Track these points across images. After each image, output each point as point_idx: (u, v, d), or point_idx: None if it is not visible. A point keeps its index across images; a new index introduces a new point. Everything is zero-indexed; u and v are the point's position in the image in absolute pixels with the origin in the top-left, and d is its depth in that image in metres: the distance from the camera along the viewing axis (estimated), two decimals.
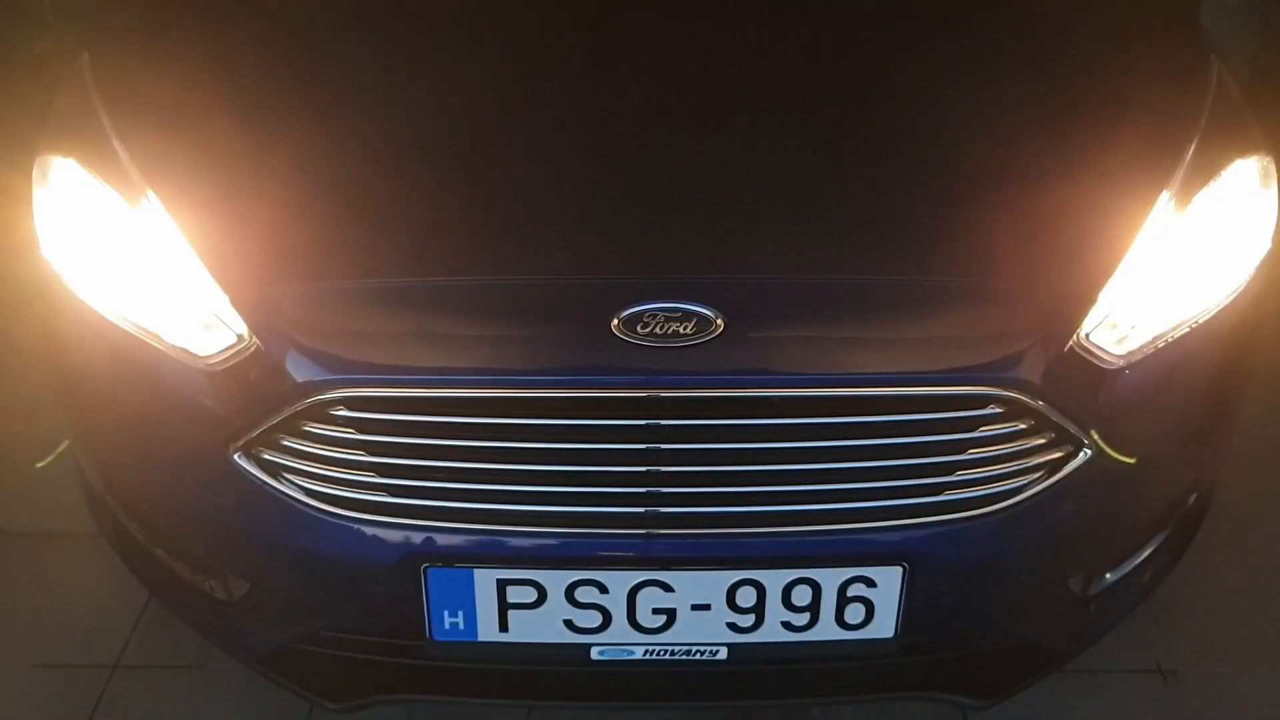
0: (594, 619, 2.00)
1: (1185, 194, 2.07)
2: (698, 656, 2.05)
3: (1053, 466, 1.96)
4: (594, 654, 2.04)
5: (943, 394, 1.90)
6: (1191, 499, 2.32)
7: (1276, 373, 2.89)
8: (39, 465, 2.38)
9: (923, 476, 1.93)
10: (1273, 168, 2.19)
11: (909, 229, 2.01)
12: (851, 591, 1.97)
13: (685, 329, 1.84)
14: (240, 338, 1.93)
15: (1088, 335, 1.94)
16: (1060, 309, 1.95)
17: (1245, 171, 2.15)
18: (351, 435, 1.90)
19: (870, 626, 2.01)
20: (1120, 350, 1.97)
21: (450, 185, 2.09)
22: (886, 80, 2.34)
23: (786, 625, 2.01)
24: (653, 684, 2.15)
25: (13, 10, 4.26)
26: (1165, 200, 2.05)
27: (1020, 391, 1.90)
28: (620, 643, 2.03)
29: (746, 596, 1.97)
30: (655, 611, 1.99)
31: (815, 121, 2.23)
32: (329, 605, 2.07)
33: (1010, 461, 1.94)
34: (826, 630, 2.01)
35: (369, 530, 1.93)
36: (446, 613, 2.00)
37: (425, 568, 1.94)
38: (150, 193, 2.04)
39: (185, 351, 1.96)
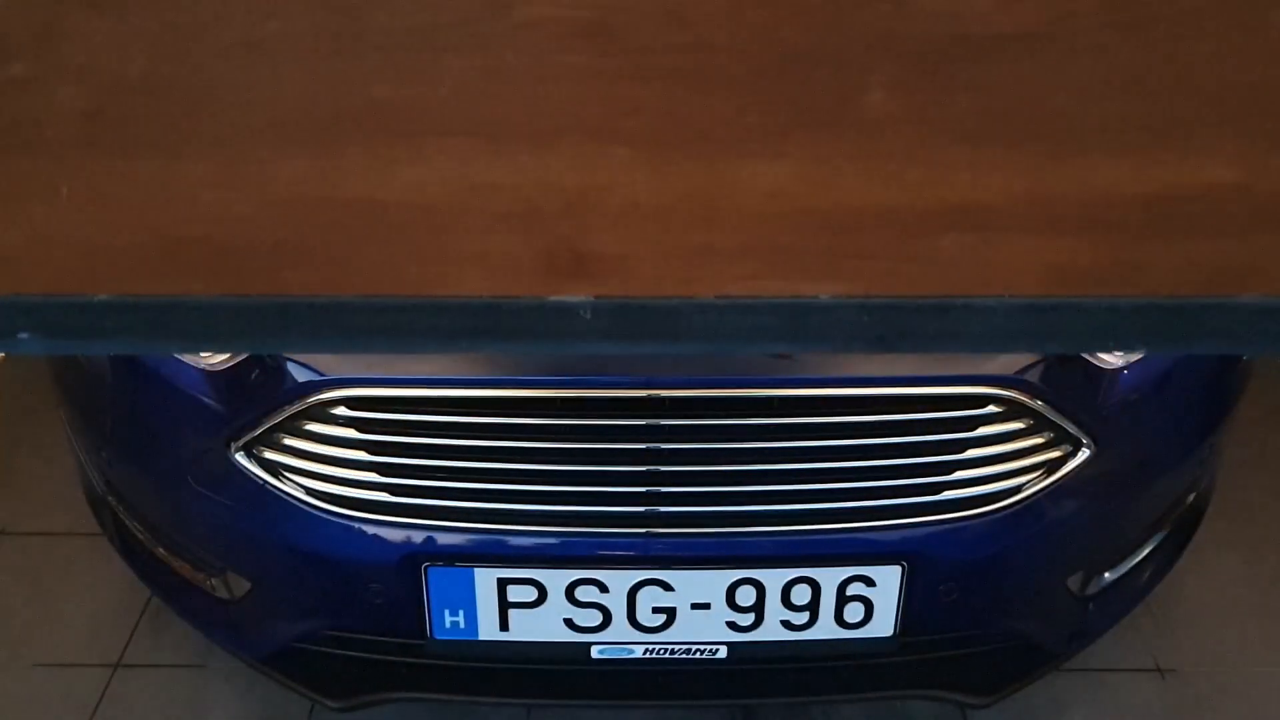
0: (594, 618, 2.01)
1: None
2: (697, 655, 2.06)
3: (1051, 466, 1.97)
4: (594, 653, 2.06)
5: (942, 394, 1.91)
6: (1190, 498, 2.33)
7: (1276, 373, 2.91)
8: None
9: (922, 476, 1.94)
10: None
11: None
12: (851, 590, 1.99)
13: None
14: None
15: None
16: None
17: None
18: (352, 435, 1.92)
19: (869, 625, 2.02)
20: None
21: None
22: None
23: (786, 624, 2.02)
24: (653, 683, 2.16)
25: None
26: None
27: (1019, 391, 1.91)
28: (620, 641, 2.04)
29: (746, 595, 1.98)
30: (655, 610, 2.00)
31: None
32: (330, 604, 2.09)
33: (1009, 461, 1.95)
34: (826, 629, 2.02)
35: (370, 530, 1.95)
36: (447, 611, 2.01)
37: (426, 567, 1.96)
38: None
39: None
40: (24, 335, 0.53)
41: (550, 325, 0.53)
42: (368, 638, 2.10)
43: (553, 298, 0.53)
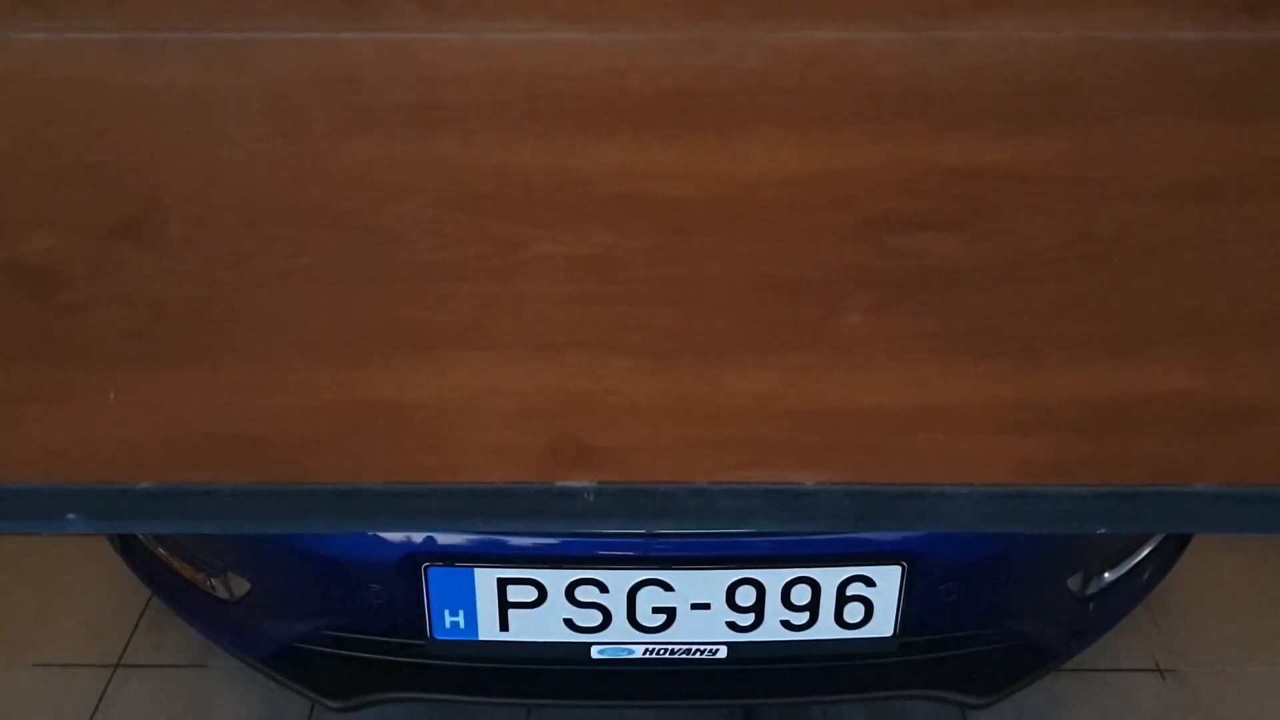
0: (594, 618, 2.05)
1: None
2: (697, 655, 2.10)
3: None
4: (594, 653, 2.10)
5: None
6: None
7: None
8: None
9: None
10: None
11: None
12: (850, 590, 2.02)
13: None
14: None
15: None
16: None
17: None
18: None
19: (869, 625, 2.06)
20: None
21: None
22: None
23: (786, 624, 2.05)
24: (653, 683, 2.19)
25: None
26: None
27: None
28: (620, 641, 2.08)
29: (746, 595, 2.02)
30: (655, 610, 2.04)
31: None
32: (330, 604, 2.13)
33: None
34: (826, 629, 2.06)
35: (370, 530, 1.98)
36: (447, 611, 2.04)
37: (426, 567, 1.99)
38: None
39: None
40: (72, 516, 0.59)
41: (556, 507, 0.59)
42: (368, 638, 2.14)
43: (558, 483, 0.58)
